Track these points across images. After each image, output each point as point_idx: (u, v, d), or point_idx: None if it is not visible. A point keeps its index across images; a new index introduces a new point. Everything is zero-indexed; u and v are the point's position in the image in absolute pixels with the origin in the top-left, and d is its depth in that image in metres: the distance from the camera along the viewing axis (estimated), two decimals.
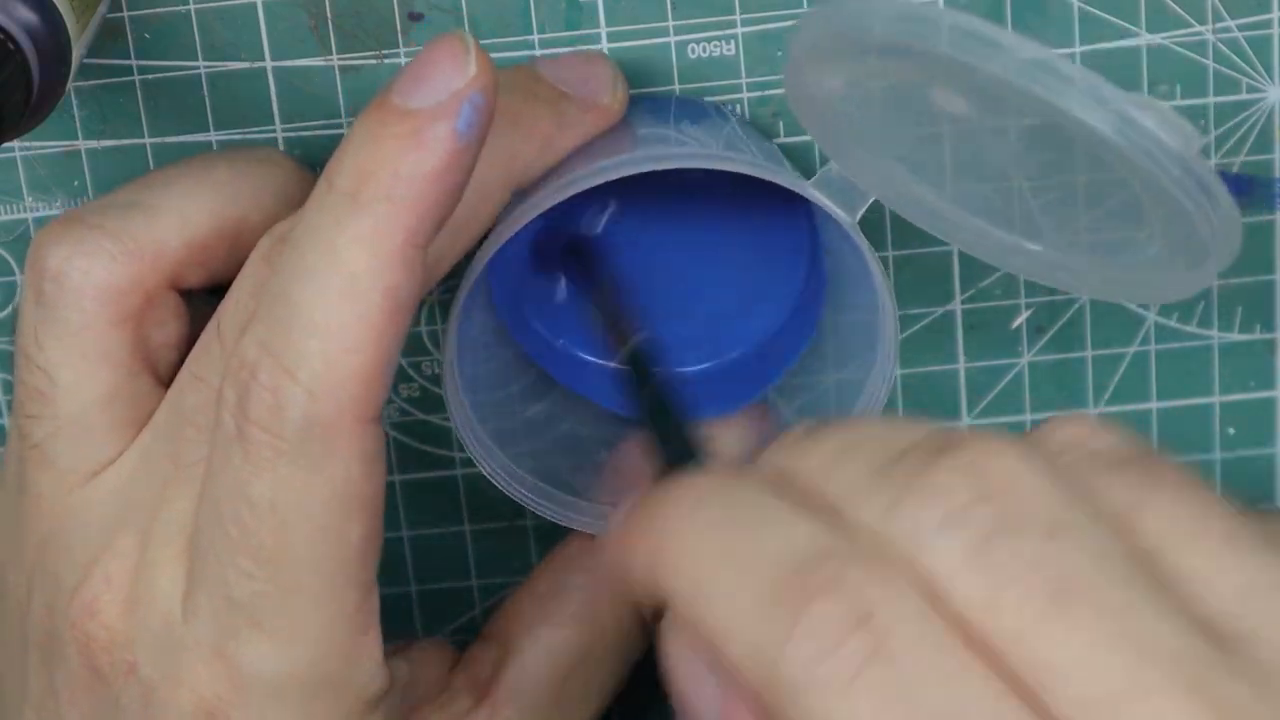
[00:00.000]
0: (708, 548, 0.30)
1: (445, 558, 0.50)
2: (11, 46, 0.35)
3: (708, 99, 0.45)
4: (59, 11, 0.37)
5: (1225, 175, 0.39)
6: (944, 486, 0.29)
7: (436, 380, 0.48)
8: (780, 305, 0.47)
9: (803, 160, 0.46)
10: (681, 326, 0.46)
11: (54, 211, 0.46)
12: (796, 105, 0.40)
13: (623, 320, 0.42)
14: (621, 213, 0.46)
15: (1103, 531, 0.28)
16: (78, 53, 0.38)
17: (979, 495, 0.28)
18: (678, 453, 0.37)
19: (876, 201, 0.44)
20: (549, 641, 0.45)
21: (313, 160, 0.46)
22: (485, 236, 0.41)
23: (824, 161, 0.42)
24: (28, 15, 0.36)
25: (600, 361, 0.47)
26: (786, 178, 0.41)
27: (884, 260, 0.47)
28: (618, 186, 0.41)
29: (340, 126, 0.46)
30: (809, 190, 0.41)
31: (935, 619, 0.28)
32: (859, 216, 0.41)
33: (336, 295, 0.36)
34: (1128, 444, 0.31)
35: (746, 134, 0.44)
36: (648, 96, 0.45)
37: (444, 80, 0.36)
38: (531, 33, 0.45)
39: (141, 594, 0.38)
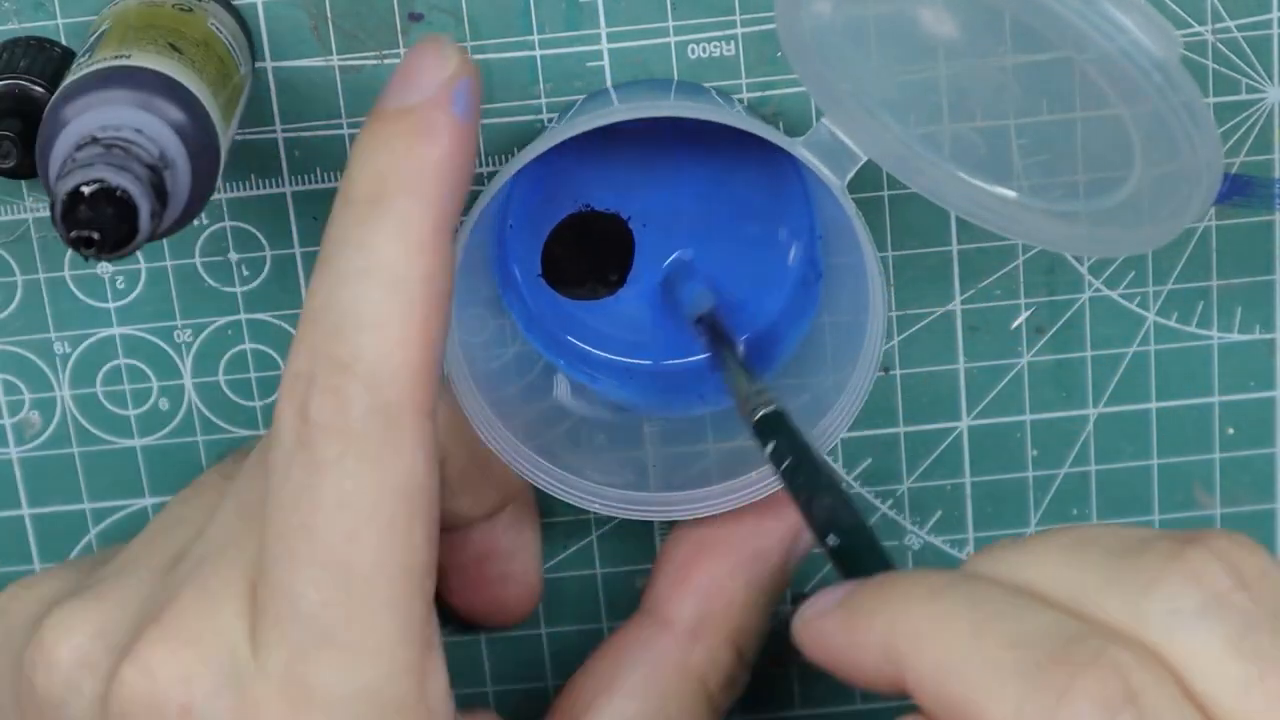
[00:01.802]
0: (956, 628, 0.31)
1: None
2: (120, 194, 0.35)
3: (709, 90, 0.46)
4: (207, 113, 0.38)
5: (1225, 176, 0.39)
6: (1200, 573, 0.30)
7: None
8: (776, 295, 0.47)
9: None
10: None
11: None
12: (788, 43, 0.40)
13: (754, 388, 0.43)
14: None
15: None
16: (225, 145, 0.39)
17: (1237, 583, 0.29)
18: (825, 516, 0.39)
19: (876, 200, 0.44)
20: (613, 711, 0.44)
21: (313, 160, 0.46)
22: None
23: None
24: (178, 115, 0.37)
25: (609, 356, 0.47)
26: (777, 135, 0.41)
27: (884, 260, 0.47)
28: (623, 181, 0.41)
29: (340, 126, 0.46)
30: (799, 150, 0.41)
31: (1187, 703, 0.29)
32: (848, 179, 0.41)
33: (379, 291, 0.36)
34: None
35: (751, 116, 0.44)
36: (647, 79, 0.45)
37: (430, 76, 0.38)
38: (531, 33, 0.45)
39: (204, 634, 0.38)
